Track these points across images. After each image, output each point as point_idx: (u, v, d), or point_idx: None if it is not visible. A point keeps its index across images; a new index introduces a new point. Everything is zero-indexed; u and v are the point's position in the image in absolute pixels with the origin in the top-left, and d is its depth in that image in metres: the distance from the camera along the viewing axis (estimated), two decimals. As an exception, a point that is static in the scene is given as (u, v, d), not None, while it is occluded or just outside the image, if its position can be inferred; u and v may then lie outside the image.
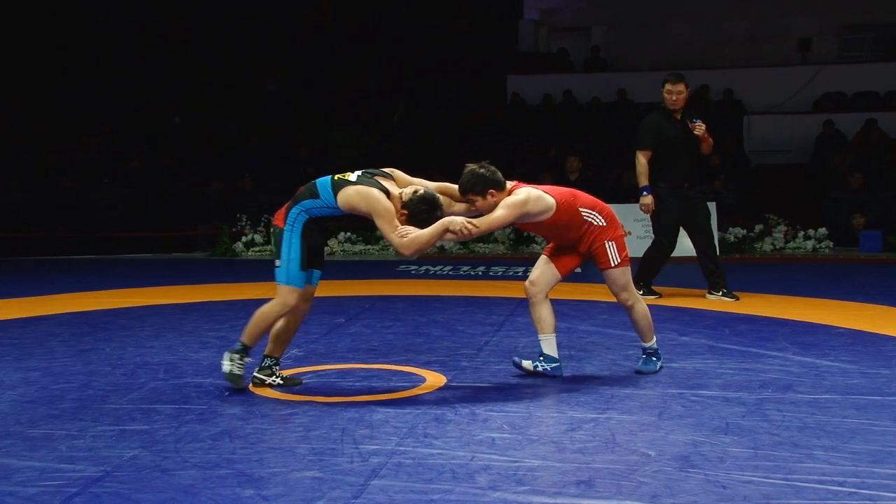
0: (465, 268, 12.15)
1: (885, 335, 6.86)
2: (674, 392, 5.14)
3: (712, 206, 13.71)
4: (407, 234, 4.99)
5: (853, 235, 14.16)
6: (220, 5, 20.50)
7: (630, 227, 13.63)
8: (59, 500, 3.53)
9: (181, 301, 9.10)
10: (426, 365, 5.93)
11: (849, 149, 16.98)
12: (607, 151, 17.58)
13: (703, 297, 9.02)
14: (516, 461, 3.94)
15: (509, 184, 5.36)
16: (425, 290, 9.91)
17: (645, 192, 8.91)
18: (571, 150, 16.61)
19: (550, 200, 5.31)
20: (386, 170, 5.36)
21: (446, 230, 5.04)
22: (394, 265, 12.70)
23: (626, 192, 15.01)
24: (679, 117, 8.88)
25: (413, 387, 5.38)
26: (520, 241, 14.36)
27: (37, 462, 3.99)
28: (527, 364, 5.60)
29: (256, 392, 5.24)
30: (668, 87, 8.86)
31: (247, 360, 5.26)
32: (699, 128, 8.75)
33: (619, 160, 16.83)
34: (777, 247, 13.98)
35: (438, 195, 5.22)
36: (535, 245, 14.17)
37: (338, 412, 4.81)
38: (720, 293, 8.91)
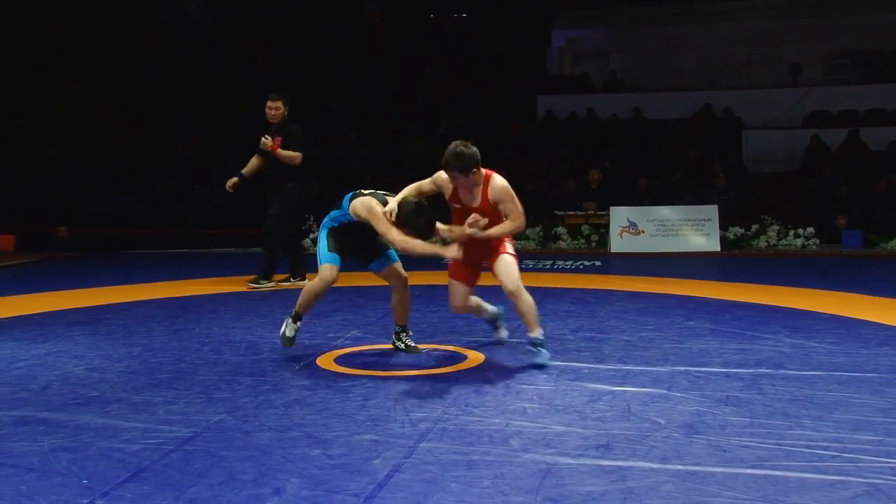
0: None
1: (864, 320, 6.77)
2: (681, 369, 5.11)
3: (714, 208, 13.76)
4: (388, 233, 5.21)
5: (837, 234, 14.00)
6: (291, 34, 20.61)
7: (643, 227, 13.64)
8: (158, 455, 3.58)
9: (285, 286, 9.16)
10: (467, 345, 5.94)
11: (833, 159, 16.79)
12: (624, 161, 17.49)
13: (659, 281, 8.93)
14: (544, 427, 3.94)
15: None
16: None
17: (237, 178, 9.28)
18: (593, 160, 16.54)
19: None
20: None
21: (436, 253, 5.24)
22: (438, 260, 12.68)
23: (639, 196, 14.96)
24: (274, 129, 9.06)
25: (456, 363, 5.39)
26: (547, 238, 14.32)
27: (139, 423, 4.05)
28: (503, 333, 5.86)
29: (322, 367, 5.29)
30: (268, 103, 9.11)
31: (299, 324, 5.59)
32: (262, 142, 8.95)
33: (634, 168, 16.74)
34: (771, 244, 13.84)
35: (424, 203, 5.35)
36: (561, 241, 14.11)
37: (391, 384, 4.83)
38: (261, 283, 9.16)
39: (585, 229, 14.27)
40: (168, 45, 19.20)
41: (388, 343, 5.98)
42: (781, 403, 4.30)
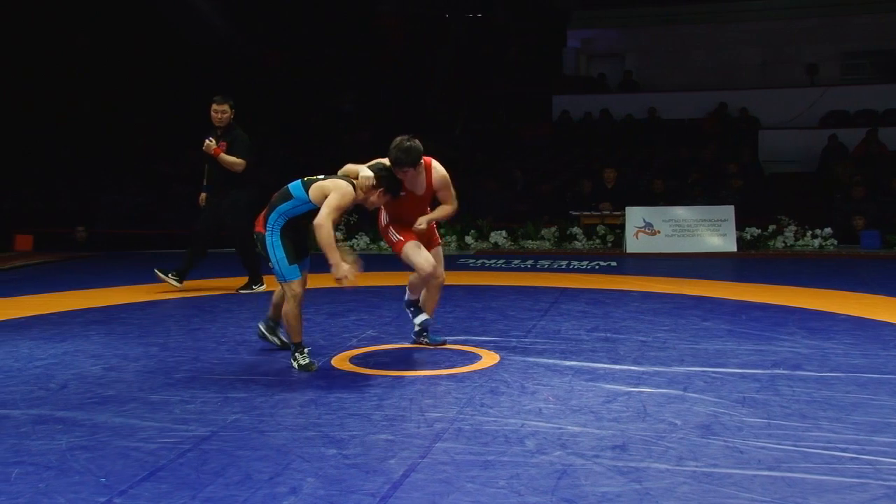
0: (516, 261, 12.10)
1: (882, 321, 6.73)
2: (697, 370, 5.09)
3: (730, 208, 13.70)
4: (324, 223, 4.98)
5: (854, 234, 13.90)
6: (305, 39, 20.68)
7: (659, 227, 13.59)
8: (174, 454, 3.59)
9: (273, 288, 9.16)
10: (482, 345, 5.94)
11: (850, 159, 16.69)
12: (639, 161, 17.43)
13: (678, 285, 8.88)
14: (560, 428, 3.93)
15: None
16: (481, 281, 9.89)
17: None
18: (608, 161, 16.48)
19: None
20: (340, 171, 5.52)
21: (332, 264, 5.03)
22: (454, 259, 12.69)
23: (655, 197, 14.91)
24: (220, 133, 8.69)
25: (471, 363, 5.39)
26: (563, 238, 14.29)
27: (156, 423, 4.07)
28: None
29: (337, 366, 5.29)
30: (214, 106, 8.73)
31: (307, 349, 5.32)
32: (206, 145, 8.60)
33: (650, 169, 16.68)
34: (788, 244, 13.76)
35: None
36: (576, 242, 14.08)
37: (407, 384, 4.83)
38: (254, 287, 8.95)
39: (601, 230, 14.22)
40: (189, 56, 19.30)
41: (403, 343, 6.00)
42: (799, 405, 4.28)
